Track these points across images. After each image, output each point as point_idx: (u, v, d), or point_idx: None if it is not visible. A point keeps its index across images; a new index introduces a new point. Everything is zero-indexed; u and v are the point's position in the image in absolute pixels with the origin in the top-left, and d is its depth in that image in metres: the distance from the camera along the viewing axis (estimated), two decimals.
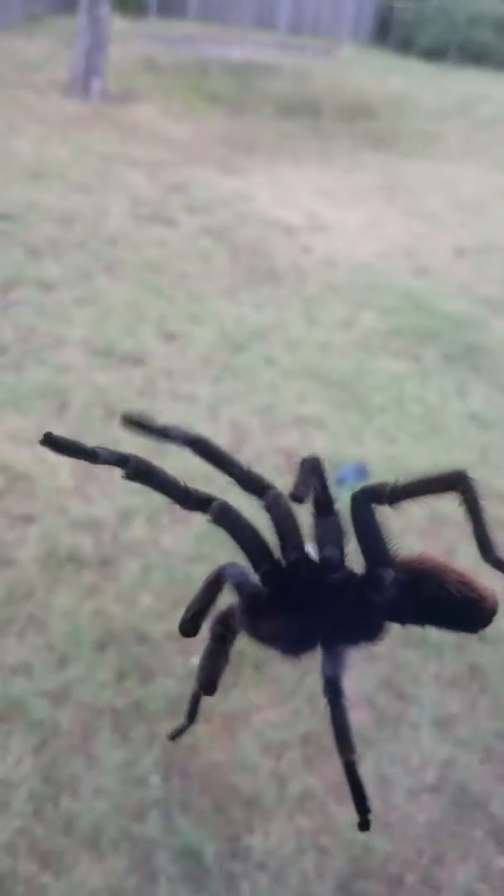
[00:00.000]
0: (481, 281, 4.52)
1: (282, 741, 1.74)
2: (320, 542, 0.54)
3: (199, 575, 2.00)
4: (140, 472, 0.51)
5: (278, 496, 0.53)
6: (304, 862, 1.55)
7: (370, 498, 0.53)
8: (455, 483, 0.51)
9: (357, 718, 1.83)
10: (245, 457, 2.66)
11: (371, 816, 0.52)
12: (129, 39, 9.77)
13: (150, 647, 1.89)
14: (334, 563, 0.54)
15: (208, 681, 0.53)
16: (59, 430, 2.13)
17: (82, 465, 2.49)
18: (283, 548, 0.54)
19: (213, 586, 0.53)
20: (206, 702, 1.92)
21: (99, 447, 0.50)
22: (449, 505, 2.05)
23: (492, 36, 13.13)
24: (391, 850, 1.59)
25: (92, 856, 1.50)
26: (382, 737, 1.78)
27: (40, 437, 0.51)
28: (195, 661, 1.82)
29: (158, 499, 2.14)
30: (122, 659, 1.85)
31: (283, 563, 0.53)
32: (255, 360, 3.27)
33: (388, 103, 8.94)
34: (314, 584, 0.53)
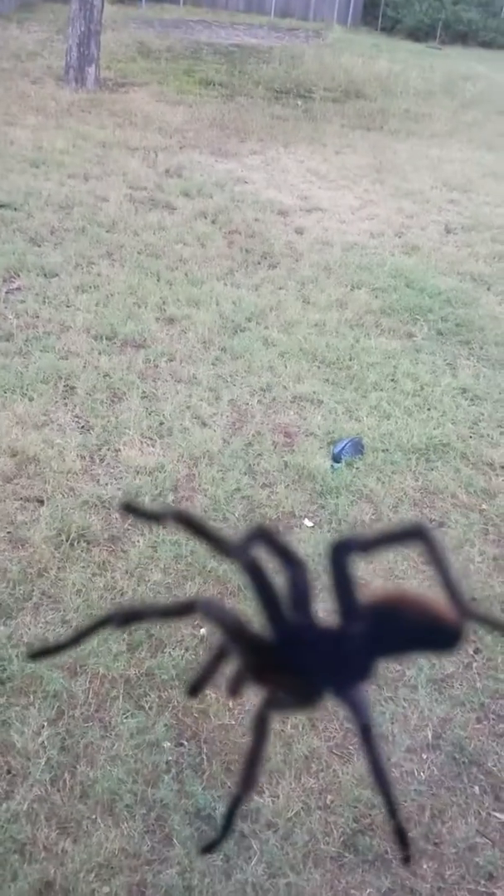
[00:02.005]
0: (470, 258, 4.56)
1: None
2: (295, 595, 0.58)
3: (205, 551, 2.08)
4: (189, 523, 0.56)
5: (254, 561, 0.56)
6: (311, 821, 1.60)
7: (346, 550, 0.56)
8: (415, 536, 0.54)
9: None
10: (246, 435, 2.72)
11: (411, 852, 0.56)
12: (121, 26, 9.73)
13: None
14: (313, 616, 0.58)
15: (247, 779, 0.57)
16: (66, 415, 2.23)
17: (89, 447, 2.57)
18: (272, 607, 0.58)
19: (220, 657, 0.57)
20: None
21: (166, 508, 0.56)
22: (442, 478, 2.12)
23: (477, 15, 13.08)
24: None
25: (108, 821, 1.56)
26: (381, 697, 1.84)
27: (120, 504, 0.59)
28: (203, 632, 1.89)
29: (163, 478, 2.25)
30: (134, 631, 1.90)
31: (289, 621, 0.57)
32: (252, 341, 3.32)
33: (376, 84, 8.93)
34: (315, 639, 0.57)
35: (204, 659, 0.57)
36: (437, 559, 0.53)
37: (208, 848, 0.58)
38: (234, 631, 0.56)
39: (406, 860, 0.57)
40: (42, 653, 0.58)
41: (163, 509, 0.56)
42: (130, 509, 0.58)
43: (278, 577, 0.57)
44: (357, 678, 0.57)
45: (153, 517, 0.57)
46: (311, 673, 0.57)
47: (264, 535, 0.56)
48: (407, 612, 0.54)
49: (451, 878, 1.56)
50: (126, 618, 0.55)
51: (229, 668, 0.58)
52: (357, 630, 0.55)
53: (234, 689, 0.58)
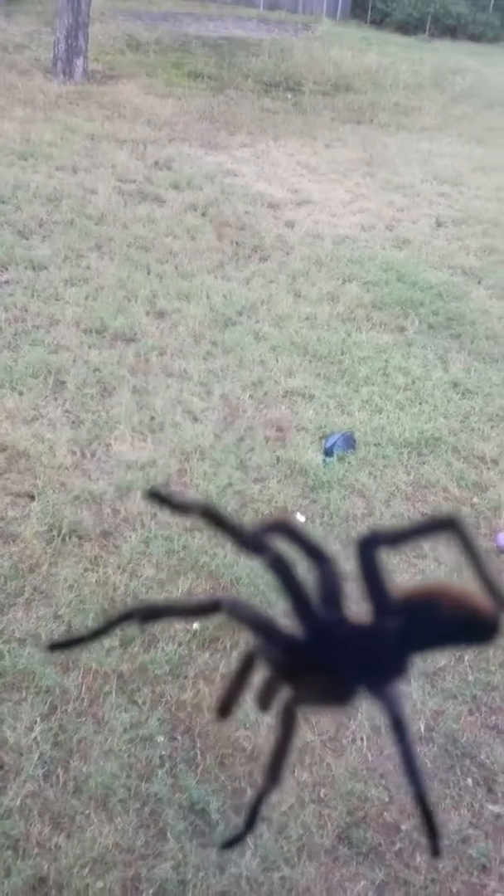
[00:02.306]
0: (460, 251, 4.56)
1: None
2: (324, 590, 0.57)
3: (197, 546, 2.08)
4: (215, 518, 0.55)
5: (279, 556, 0.55)
6: (305, 814, 1.61)
7: (376, 542, 0.56)
8: (447, 526, 0.54)
9: None
10: (237, 430, 2.72)
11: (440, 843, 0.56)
12: (110, 18, 9.67)
13: None
14: (344, 612, 0.57)
15: (273, 773, 0.57)
16: (56, 409, 2.22)
17: (80, 442, 2.56)
18: (301, 604, 0.57)
19: (247, 668, 0.56)
20: (209, 663, 1.99)
21: (197, 500, 0.56)
22: (434, 471, 2.13)
23: (467, 8, 13.08)
24: (387, 800, 1.66)
25: (102, 816, 1.55)
26: None
27: (148, 491, 0.57)
28: (196, 625, 1.89)
29: (154, 473, 2.23)
30: (126, 626, 1.89)
31: (320, 618, 0.56)
32: (244, 335, 3.32)
33: (366, 77, 8.91)
34: (348, 635, 0.56)
35: (230, 673, 0.56)
36: (470, 551, 0.52)
37: (231, 842, 0.58)
38: (264, 630, 0.55)
39: (435, 853, 0.57)
40: (62, 645, 0.58)
41: (192, 502, 0.56)
42: (157, 497, 0.57)
43: (304, 571, 0.57)
44: (392, 674, 0.56)
45: (181, 508, 0.56)
46: (345, 671, 0.56)
47: (286, 529, 0.55)
48: (443, 604, 0.54)
49: (445, 870, 1.57)
50: (148, 614, 0.55)
51: (258, 679, 0.56)
52: (391, 625, 0.54)
53: (265, 701, 0.56)
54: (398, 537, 0.55)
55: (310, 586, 0.56)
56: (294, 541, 0.55)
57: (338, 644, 0.56)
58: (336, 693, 0.57)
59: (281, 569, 0.55)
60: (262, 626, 0.55)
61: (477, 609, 0.53)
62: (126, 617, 0.55)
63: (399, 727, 0.54)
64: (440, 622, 0.54)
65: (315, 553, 0.56)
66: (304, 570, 0.57)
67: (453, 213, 5.21)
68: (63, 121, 5.94)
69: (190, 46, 9.25)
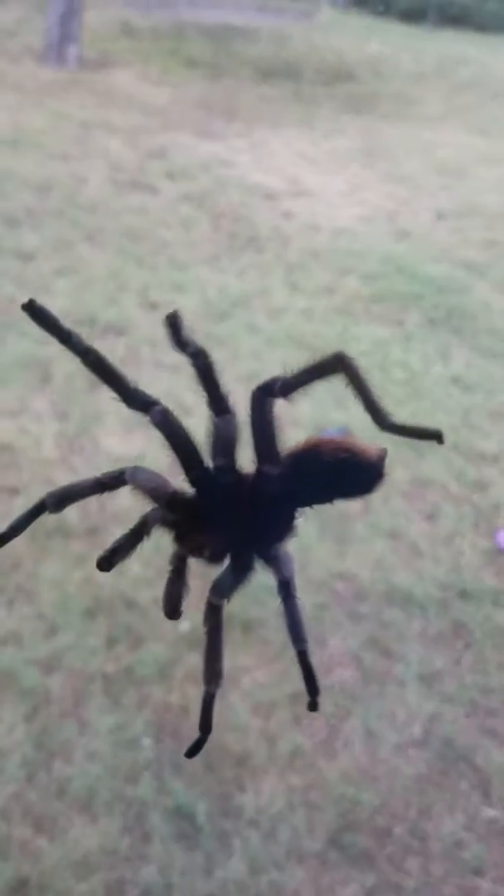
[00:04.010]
0: (462, 244, 4.51)
1: (271, 701, 1.77)
2: (220, 443, 0.56)
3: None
4: (96, 363, 0.54)
5: (165, 410, 0.55)
6: (295, 818, 1.58)
7: (266, 394, 0.55)
8: (336, 365, 0.53)
9: (343, 676, 1.87)
10: None
11: (319, 699, 0.56)
12: (104, 4, 9.56)
13: (139, 613, 1.91)
14: (233, 465, 0.56)
15: (170, 608, 0.57)
16: (43, 402, 2.15)
17: (67, 436, 2.50)
18: (191, 457, 0.56)
19: (141, 529, 0.55)
20: (197, 664, 1.94)
21: (73, 333, 0.54)
22: (433, 469, 2.09)
23: None
24: (379, 804, 1.63)
25: (85, 819, 1.53)
26: (369, 693, 1.81)
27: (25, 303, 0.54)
28: (185, 626, 1.85)
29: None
30: (112, 626, 1.87)
31: (212, 469, 0.56)
32: (238, 327, 3.27)
33: (367, 66, 8.84)
34: (236, 489, 0.56)
35: (123, 534, 0.55)
36: (359, 384, 0.53)
37: (193, 750, 0.56)
38: (160, 494, 0.55)
39: (313, 706, 0.56)
40: None
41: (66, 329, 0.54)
42: (32, 311, 0.55)
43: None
44: (280, 531, 0.56)
45: (56, 331, 0.55)
46: (232, 525, 0.56)
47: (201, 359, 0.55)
48: (324, 451, 0.54)
49: (437, 874, 1.55)
50: (59, 500, 0.54)
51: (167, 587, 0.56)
52: (275, 474, 0.54)
53: (173, 607, 0.57)
54: (292, 384, 0.54)
55: (202, 442, 0.56)
56: (203, 378, 0.55)
57: (225, 497, 0.56)
58: (224, 550, 0.57)
59: (169, 426, 0.55)
60: (159, 491, 0.55)
61: (359, 453, 0.54)
62: (40, 508, 0.54)
63: (286, 587, 0.55)
64: (323, 469, 0.54)
65: (218, 402, 0.56)
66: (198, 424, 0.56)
67: (455, 206, 5.15)
68: (54, 108, 5.86)
69: (186, 33, 9.16)
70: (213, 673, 0.55)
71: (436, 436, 0.55)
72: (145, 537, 0.55)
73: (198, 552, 0.57)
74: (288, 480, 0.55)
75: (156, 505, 0.55)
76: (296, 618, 0.55)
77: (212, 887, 1.47)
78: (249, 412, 0.55)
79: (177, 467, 0.57)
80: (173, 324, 0.55)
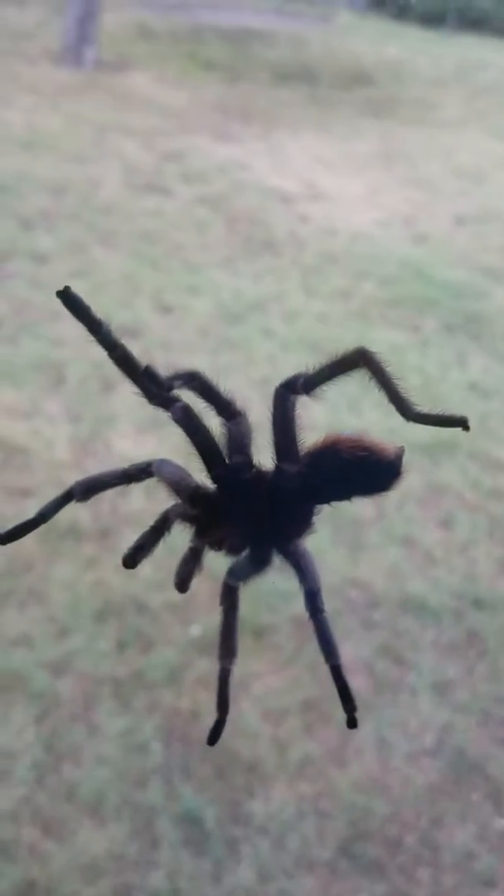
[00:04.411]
0: (481, 249, 4.48)
1: (282, 707, 1.75)
2: (235, 443, 0.57)
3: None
4: (122, 359, 0.54)
5: (186, 407, 0.55)
6: (305, 826, 1.57)
7: (289, 391, 0.55)
8: (358, 360, 0.52)
9: (356, 684, 1.85)
10: None
11: (356, 714, 0.55)
12: (122, 6, 9.60)
13: (150, 617, 1.91)
14: (251, 462, 0.57)
15: (179, 581, 0.57)
16: (56, 404, 2.14)
17: (80, 438, 2.50)
18: (214, 455, 0.57)
19: (163, 524, 0.56)
20: (207, 669, 1.94)
21: (105, 324, 0.54)
22: (448, 475, 2.07)
23: (491, 2, 12.93)
24: (390, 813, 1.61)
25: (94, 822, 1.52)
26: (381, 702, 1.80)
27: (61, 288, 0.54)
28: (195, 630, 1.84)
29: None
30: (123, 629, 1.87)
31: (232, 466, 0.56)
32: (252, 331, 3.26)
33: (385, 70, 8.82)
34: (256, 485, 0.56)
35: (146, 529, 0.56)
36: (382, 377, 0.52)
37: (214, 736, 0.56)
38: (183, 487, 0.55)
39: (352, 723, 0.55)
40: (10, 535, 0.57)
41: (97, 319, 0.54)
42: (67, 299, 0.55)
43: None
44: (298, 527, 0.56)
45: (87, 320, 0.55)
46: (251, 519, 0.56)
47: (197, 380, 0.55)
48: (342, 449, 0.54)
49: (448, 885, 1.54)
50: (87, 489, 0.55)
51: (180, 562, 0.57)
52: (296, 474, 0.55)
53: (183, 581, 0.57)
54: (315, 380, 0.55)
55: (221, 442, 0.56)
56: (204, 394, 0.55)
57: (245, 493, 0.56)
58: (243, 545, 0.57)
59: (190, 423, 0.55)
60: (183, 484, 0.56)
61: (377, 450, 0.54)
62: (68, 497, 0.55)
63: (312, 598, 0.55)
64: (341, 466, 0.54)
65: (226, 408, 0.56)
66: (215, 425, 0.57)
67: (474, 210, 5.12)
68: (71, 110, 5.88)
69: (204, 36, 9.18)
70: (227, 649, 0.55)
71: (461, 422, 0.55)
72: (166, 533, 0.56)
73: (217, 546, 0.57)
74: (307, 478, 0.55)
75: (176, 500, 0.56)
76: (326, 632, 0.55)
77: (220, 894, 1.46)
78: (272, 409, 0.55)
79: (192, 466, 0.57)
80: (150, 375, 0.55)
